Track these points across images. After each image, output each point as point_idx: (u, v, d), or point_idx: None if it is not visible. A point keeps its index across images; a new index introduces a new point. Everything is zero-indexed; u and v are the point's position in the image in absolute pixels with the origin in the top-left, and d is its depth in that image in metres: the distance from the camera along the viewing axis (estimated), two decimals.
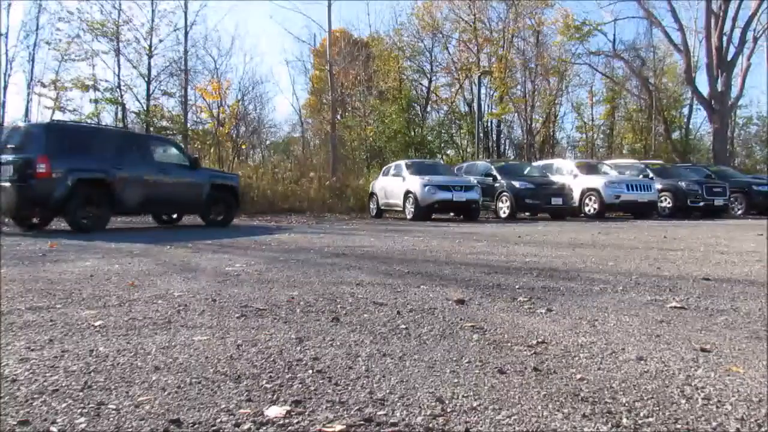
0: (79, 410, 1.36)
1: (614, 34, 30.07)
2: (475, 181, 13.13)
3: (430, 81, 28.80)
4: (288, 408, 1.38)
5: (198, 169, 9.77)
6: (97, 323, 2.28)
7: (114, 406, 1.38)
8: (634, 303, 2.77)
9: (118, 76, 19.01)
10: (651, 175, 15.14)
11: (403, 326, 2.26)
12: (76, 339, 2.04)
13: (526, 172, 14.60)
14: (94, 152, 8.12)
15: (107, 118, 21.69)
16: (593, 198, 14.09)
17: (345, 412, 1.36)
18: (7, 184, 7.47)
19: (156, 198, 8.97)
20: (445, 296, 2.93)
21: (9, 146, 7.73)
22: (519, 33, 27.17)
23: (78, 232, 7.63)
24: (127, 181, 8.34)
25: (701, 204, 14.50)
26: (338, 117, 25.69)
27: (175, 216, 10.72)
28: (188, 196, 9.56)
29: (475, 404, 1.42)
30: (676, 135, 28.89)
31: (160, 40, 19.37)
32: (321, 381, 1.59)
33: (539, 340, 2.04)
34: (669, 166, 17.38)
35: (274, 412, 1.35)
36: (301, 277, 3.60)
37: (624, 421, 1.31)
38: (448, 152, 27.75)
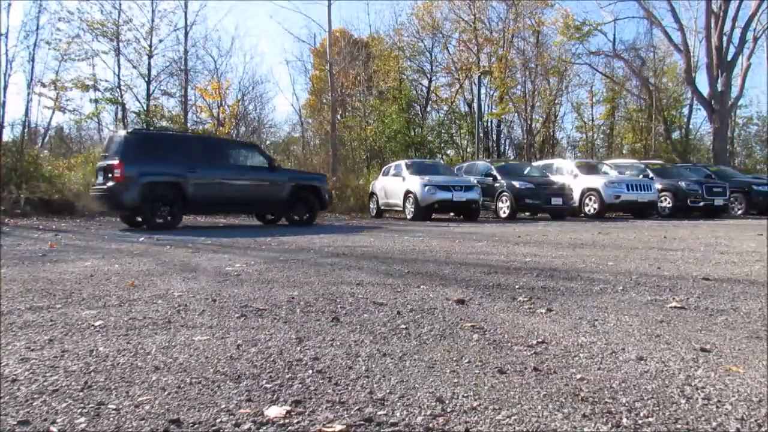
0: (79, 410, 1.36)
1: (614, 34, 30.21)
2: (475, 181, 13.13)
3: (430, 81, 28.82)
4: (288, 408, 1.38)
5: (277, 171, 10.16)
6: (97, 323, 2.28)
7: (114, 406, 1.38)
8: (634, 303, 2.77)
9: (118, 76, 19.03)
10: (651, 175, 15.14)
11: (403, 326, 2.26)
12: (76, 339, 2.04)
13: (526, 172, 14.60)
14: (169, 157, 8.84)
15: (107, 118, 21.72)
16: (593, 198, 14.09)
17: (345, 412, 1.36)
18: (98, 188, 8.89)
19: (232, 198, 9.57)
20: (445, 296, 2.93)
21: (103, 153, 9.36)
22: (519, 33, 27.17)
23: (154, 230, 8.34)
24: (199, 183, 9.00)
25: (701, 204, 14.50)
26: (338, 117, 25.69)
27: (273, 216, 11.07)
28: (266, 197, 9.96)
29: (475, 404, 1.42)
30: (676, 135, 28.89)
31: (160, 40, 19.39)
32: (321, 381, 1.59)
33: (539, 340, 2.04)
34: (669, 166, 17.37)
35: (274, 412, 1.35)
36: (301, 277, 3.60)
37: (624, 421, 1.31)
38: (448, 152, 27.75)
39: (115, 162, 8.39)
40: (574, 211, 14.17)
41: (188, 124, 20.20)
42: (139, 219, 9.36)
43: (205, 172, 9.14)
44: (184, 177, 8.85)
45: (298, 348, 1.93)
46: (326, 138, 24.42)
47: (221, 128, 20.71)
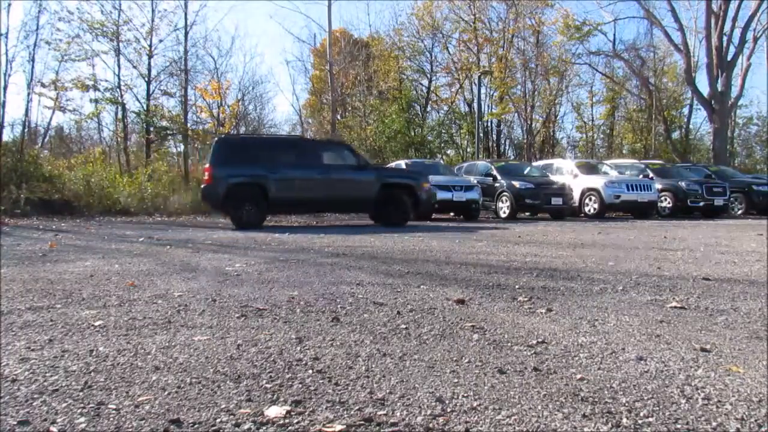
0: (79, 410, 1.36)
1: (614, 34, 30.14)
2: (475, 181, 13.13)
3: (430, 81, 28.82)
4: (288, 408, 1.38)
5: (365, 169, 9.94)
6: (97, 323, 2.28)
7: (114, 406, 1.38)
8: (634, 303, 2.77)
9: (118, 76, 18.99)
10: (651, 175, 15.13)
11: (403, 326, 2.26)
12: (76, 339, 2.04)
13: (526, 172, 14.59)
14: (254, 159, 9.31)
15: (107, 118, 21.72)
16: (593, 198, 14.09)
17: (345, 412, 1.36)
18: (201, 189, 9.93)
19: (314, 198, 9.63)
20: (445, 296, 2.93)
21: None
22: (519, 33, 27.17)
23: (240, 228, 8.92)
24: (281, 183, 9.30)
25: (701, 204, 14.50)
26: (338, 117, 25.69)
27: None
28: (353, 196, 9.85)
29: (475, 404, 1.42)
30: (676, 135, 28.88)
31: (160, 40, 19.37)
32: (321, 381, 1.59)
33: (539, 340, 2.04)
34: (669, 166, 17.37)
35: (274, 412, 1.35)
36: (301, 277, 3.60)
37: (624, 421, 1.31)
38: (448, 152, 27.75)
39: (206, 166, 9.55)
40: (574, 211, 14.16)
41: (188, 124, 20.19)
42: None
43: (287, 172, 9.41)
44: (265, 177, 9.21)
45: (298, 348, 1.93)
46: (326, 138, 24.40)
47: (221, 128, 20.70)
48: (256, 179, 9.25)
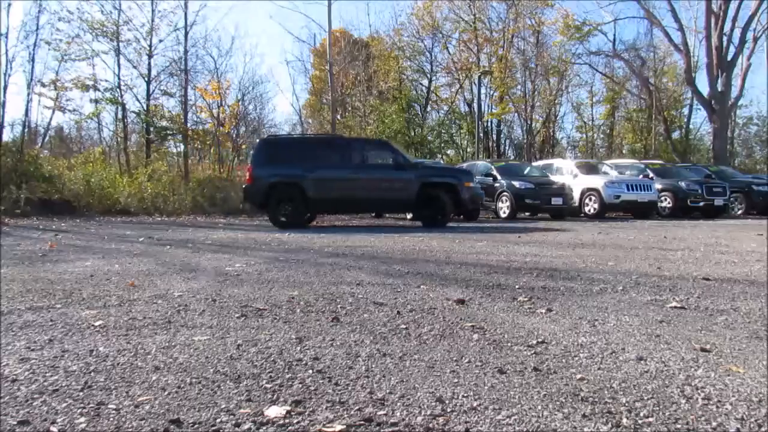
0: (79, 410, 1.36)
1: (614, 34, 30.09)
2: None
3: (430, 81, 28.82)
4: (288, 408, 1.38)
5: (406, 169, 9.56)
6: (97, 323, 2.28)
7: (114, 406, 1.38)
8: (634, 303, 2.77)
9: (118, 76, 18.98)
10: (651, 175, 15.13)
11: (403, 326, 2.26)
12: (76, 339, 2.04)
13: (526, 172, 14.59)
14: (293, 159, 9.45)
15: (107, 118, 21.71)
16: (593, 198, 14.08)
17: (345, 412, 1.36)
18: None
19: (353, 197, 9.59)
20: (445, 296, 2.93)
21: None
22: (519, 33, 27.17)
23: (279, 228, 9.09)
24: (319, 183, 9.28)
25: (701, 204, 14.50)
26: (338, 117, 25.69)
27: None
28: (392, 196, 9.62)
29: (475, 404, 1.42)
30: (676, 135, 28.87)
31: (160, 40, 19.36)
32: (321, 381, 1.59)
33: (539, 340, 2.04)
34: (669, 166, 17.36)
35: (274, 412, 1.35)
36: (301, 277, 3.60)
37: (624, 421, 1.31)
38: (448, 152, 27.76)
39: (248, 166, 9.97)
40: (574, 211, 14.16)
41: (188, 124, 20.18)
42: (283, 219, 9.80)
43: (324, 171, 9.35)
44: (302, 177, 9.22)
45: (298, 348, 1.93)
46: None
47: (221, 128, 20.71)
48: (293, 179, 9.27)
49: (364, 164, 9.73)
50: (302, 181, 9.25)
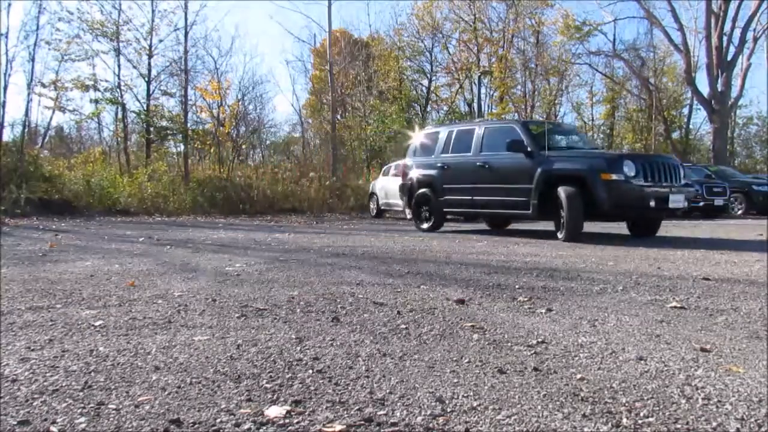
0: (79, 410, 1.36)
1: (614, 34, 30.10)
2: None
3: (430, 81, 28.80)
4: (288, 408, 1.38)
5: (531, 156, 6.82)
6: (97, 323, 2.28)
7: (114, 406, 1.38)
8: (634, 303, 2.77)
9: (118, 76, 18.95)
10: None
11: (403, 326, 2.26)
12: (76, 339, 2.04)
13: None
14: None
15: (107, 118, 21.70)
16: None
17: (345, 412, 1.36)
18: None
19: (474, 199, 7.70)
20: (445, 296, 2.93)
21: None
22: (519, 33, 27.16)
23: (418, 229, 8.58)
24: (447, 179, 8.01)
25: (701, 204, 14.49)
26: (338, 117, 25.68)
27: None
28: (509, 198, 7.15)
29: (475, 404, 1.42)
30: (676, 135, 28.87)
31: (160, 40, 19.33)
32: (321, 381, 1.59)
33: (539, 340, 2.04)
34: None
35: (274, 412, 1.35)
36: (301, 277, 3.60)
37: (624, 421, 1.31)
38: None
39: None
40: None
41: (188, 124, 20.18)
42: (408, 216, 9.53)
43: (455, 166, 7.94)
44: (434, 176, 8.21)
45: (298, 348, 1.93)
46: (326, 138, 24.42)
47: (221, 128, 20.69)
48: (430, 177, 8.26)
49: (491, 154, 7.45)
50: (435, 179, 8.21)
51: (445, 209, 8.20)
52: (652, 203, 6.21)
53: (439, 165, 8.20)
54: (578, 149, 7.67)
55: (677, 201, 6.45)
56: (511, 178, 7.05)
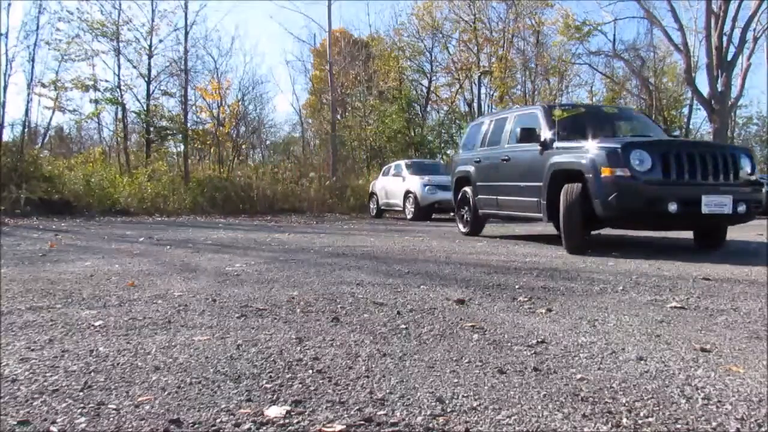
0: (79, 410, 1.36)
1: (614, 34, 30.01)
2: None
3: (430, 81, 28.78)
4: (288, 408, 1.38)
5: (545, 146, 5.67)
6: (97, 323, 2.28)
7: (114, 406, 1.38)
8: (634, 303, 2.77)
9: (118, 76, 18.95)
10: None
11: (403, 326, 2.26)
12: (76, 339, 2.04)
13: None
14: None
15: (107, 118, 21.69)
16: None
17: (345, 412, 1.36)
18: None
19: (499, 197, 6.67)
20: (445, 296, 2.93)
21: None
22: (519, 33, 27.16)
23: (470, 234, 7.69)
24: (483, 175, 7.06)
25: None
26: (338, 117, 25.68)
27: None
28: (521, 198, 6.16)
29: (475, 404, 1.42)
30: (676, 135, 28.87)
31: (160, 40, 19.33)
32: (321, 381, 1.59)
33: (539, 340, 2.04)
34: None
35: (274, 412, 1.35)
36: (301, 277, 3.60)
37: (624, 421, 1.31)
38: (448, 152, 27.72)
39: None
40: None
41: (188, 124, 20.18)
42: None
43: (487, 161, 6.98)
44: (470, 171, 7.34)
45: (298, 348, 1.93)
46: (326, 138, 24.40)
47: (221, 128, 20.69)
48: (467, 174, 7.39)
49: (516, 145, 6.24)
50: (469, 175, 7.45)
51: (480, 211, 7.13)
52: (673, 207, 4.56)
53: (475, 160, 7.20)
54: (644, 136, 5.88)
55: (719, 205, 4.68)
56: (525, 175, 5.95)
